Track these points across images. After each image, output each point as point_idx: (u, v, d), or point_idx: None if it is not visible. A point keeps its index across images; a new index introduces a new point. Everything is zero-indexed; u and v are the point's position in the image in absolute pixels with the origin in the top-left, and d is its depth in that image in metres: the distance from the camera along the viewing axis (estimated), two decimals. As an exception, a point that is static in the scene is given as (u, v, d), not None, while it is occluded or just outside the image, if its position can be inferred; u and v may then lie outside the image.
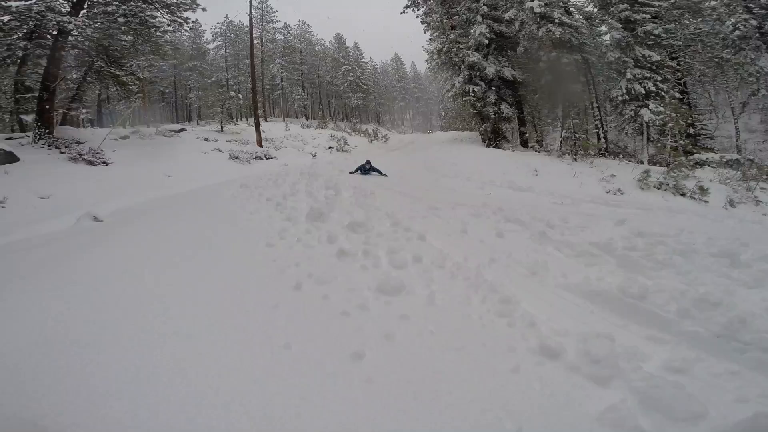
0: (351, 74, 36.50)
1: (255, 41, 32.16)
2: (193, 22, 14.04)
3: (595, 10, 18.42)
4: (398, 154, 13.62)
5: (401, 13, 18.76)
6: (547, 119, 18.67)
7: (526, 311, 2.18)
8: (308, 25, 38.48)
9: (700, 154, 13.60)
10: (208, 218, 4.80)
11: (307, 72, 37.00)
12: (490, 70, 15.79)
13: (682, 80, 17.57)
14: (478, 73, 16.10)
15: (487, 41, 15.88)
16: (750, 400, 1.65)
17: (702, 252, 3.47)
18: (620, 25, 15.95)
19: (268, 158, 11.83)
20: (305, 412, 1.40)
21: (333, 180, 7.23)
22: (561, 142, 13.07)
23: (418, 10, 18.43)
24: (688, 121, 16.98)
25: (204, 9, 12.59)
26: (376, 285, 2.47)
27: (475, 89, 16.09)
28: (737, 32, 16.36)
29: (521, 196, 8.02)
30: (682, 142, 12.40)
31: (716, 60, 18.75)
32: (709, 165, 12.40)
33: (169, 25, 11.91)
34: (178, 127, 15.25)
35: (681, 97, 16.85)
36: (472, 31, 16.09)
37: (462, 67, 16.35)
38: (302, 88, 35.78)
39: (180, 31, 18.86)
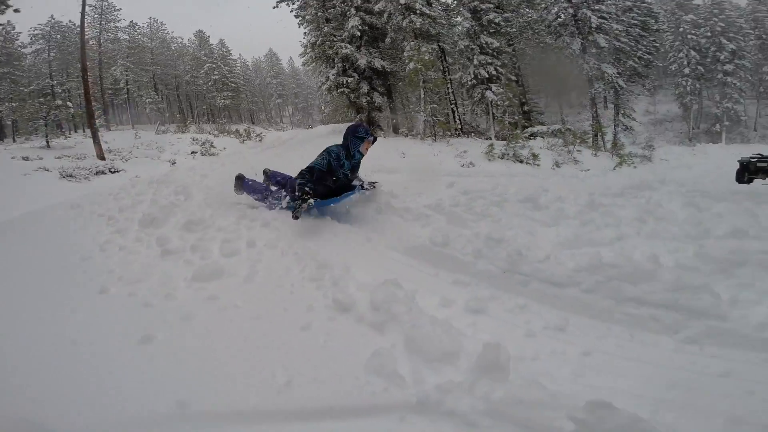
0: (216, 72, 33.90)
1: (91, 42, 27.48)
2: (1, 25, 11.39)
3: (452, 1, 20.35)
4: (275, 152, 13.19)
5: (274, 8, 18.03)
6: (415, 106, 20.15)
7: (337, 273, 2.30)
8: (161, 22, 34.47)
9: (533, 127, 16.19)
10: (20, 247, 4.02)
11: (161, 73, 33.15)
12: (362, 61, 16.27)
13: (517, 64, 20.62)
14: (351, 65, 16.45)
15: (359, 33, 16.28)
16: (536, 334, 1.79)
17: (512, 200, 4.07)
18: (470, 15, 17.93)
19: (114, 171, 10.26)
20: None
21: (185, 185, 6.63)
22: (424, 126, 14.19)
23: (293, 4, 17.93)
24: (523, 100, 20.10)
25: (16, 10, 10.28)
26: (192, 274, 2.36)
27: (349, 81, 16.43)
28: (558, 20, 19.72)
29: (388, 177, 8.48)
30: (517, 117, 14.51)
31: (542, 45, 22.45)
32: (540, 136, 14.87)
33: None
34: (-17, 146, 12.23)
35: (516, 79, 19.80)
36: (347, 24, 16.33)
37: (336, 59, 16.50)
38: (155, 90, 31.95)
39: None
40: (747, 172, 9.02)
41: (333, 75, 16.61)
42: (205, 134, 16.44)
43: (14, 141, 18.97)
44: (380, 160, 10.73)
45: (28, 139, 15.87)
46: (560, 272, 2.14)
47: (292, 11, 17.99)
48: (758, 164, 8.96)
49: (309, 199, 3.33)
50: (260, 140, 16.70)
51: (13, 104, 18.90)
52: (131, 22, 32.66)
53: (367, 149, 3.97)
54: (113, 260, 2.94)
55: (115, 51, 30.27)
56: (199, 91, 34.47)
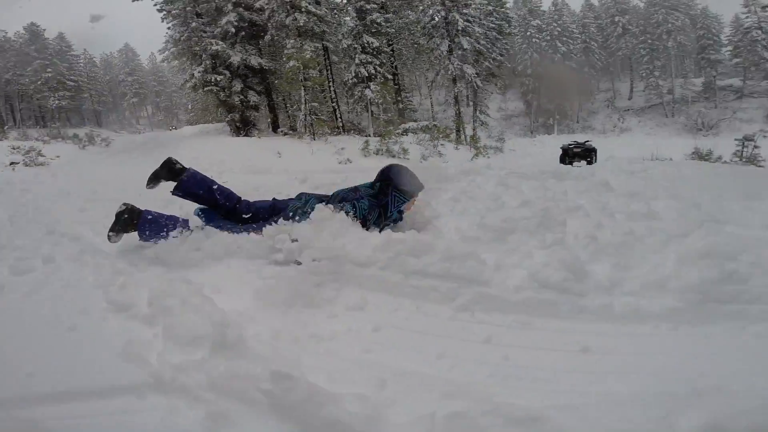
0: (49, 70, 28.19)
1: None
2: None
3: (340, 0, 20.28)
4: (125, 157, 11.51)
5: (133, 0, 15.59)
6: (296, 104, 19.73)
7: (129, 278, 2.11)
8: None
9: (405, 124, 17.29)
10: None
11: (-36, 71, 26.31)
12: (236, 58, 15.30)
13: (394, 64, 21.74)
14: (223, 62, 15.35)
15: (234, 29, 15.26)
16: (338, 315, 1.85)
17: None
18: (355, 14, 18.18)
19: None
20: None
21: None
22: (303, 125, 14.00)
23: (158, -4, 15.71)
24: (398, 98, 21.34)
25: None
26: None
27: (219, 78, 15.33)
28: (432, 21, 21.24)
29: (258, 178, 8.12)
30: (390, 115, 15.31)
31: (416, 46, 24.03)
32: (412, 132, 15.96)
33: None
34: None
35: (392, 78, 20.87)
36: (221, 19, 15.20)
37: (204, 56, 15.26)
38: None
39: None
40: (567, 156, 11.02)
41: (199, 72, 15.29)
42: (31, 141, 13.49)
43: None
44: (253, 161, 10.24)
45: None
46: (362, 253, 2.20)
47: (155, 4, 15.96)
48: (574, 150, 11.00)
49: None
50: (107, 145, 14.42)
51: None
52: None
53: (410, 208, 2.75)
54: None
55: None
56: (25, 92, 28.24)
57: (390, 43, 20.68)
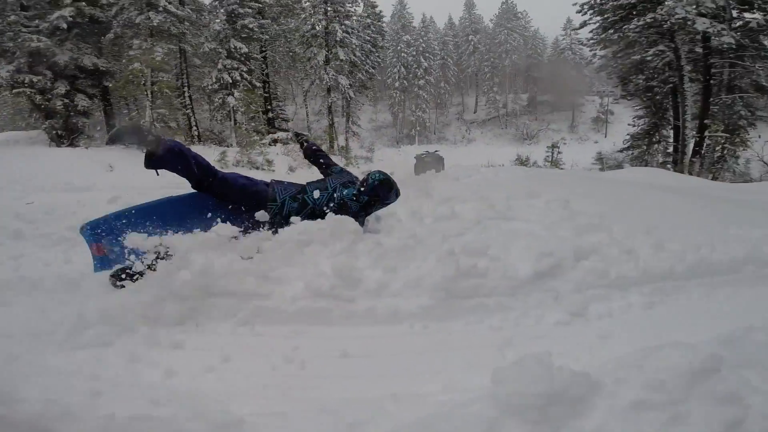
0: None
1: None
2: None
3: (209, 1, 18.33)
4: None
5: None
6: (140, 111, 17.30)
7: None
8: None
9: (275, 134, 16.77)
10: None
11: None
12: (63, 57, 12.64)
13: (265, 71, 20.83)
14: (44, 61, 12.52)
15: (66, 25, 12.50)
16: None
17: None
18: (225, 17, 16.63)
19: None
20: None
21: None
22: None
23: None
24: (269, 107, 20.60)
25: None
26: None
27: (35, 80, 12.50)
28: (313, 31, 20.84)
29: (72, 197, 6.84)
30: (254, 124, 14.65)
31: (291, 54, 23.44)
32: (281, 142, 15.53)
33: None
34: None
35: (262, 85, 19.99)
36: (52, 14, 12.26)
37: (17, 53, 12.25)
38: None
39: None
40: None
41: (8, 72, 12.37)
42: None
43: None
44: (72, 176, 8.59)
45: None
46: None
47: None
48: (425, 159, 12.13)
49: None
50: None
51: None
52: None
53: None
54: None
55: None
56: None
57: (263, 49, 19.81)
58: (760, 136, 12.45)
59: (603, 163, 13.85)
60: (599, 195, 4.13)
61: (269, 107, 20.61)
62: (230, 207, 2.51)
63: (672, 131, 13.09)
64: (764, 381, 1.19)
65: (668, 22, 10.91)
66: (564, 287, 2.00)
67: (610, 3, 12.27)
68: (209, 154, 11.54)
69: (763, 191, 4.90)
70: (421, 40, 38.03)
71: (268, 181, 2.66)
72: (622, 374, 1.06)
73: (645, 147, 14.26)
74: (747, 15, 11.45)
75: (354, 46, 21.71)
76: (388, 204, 2.68)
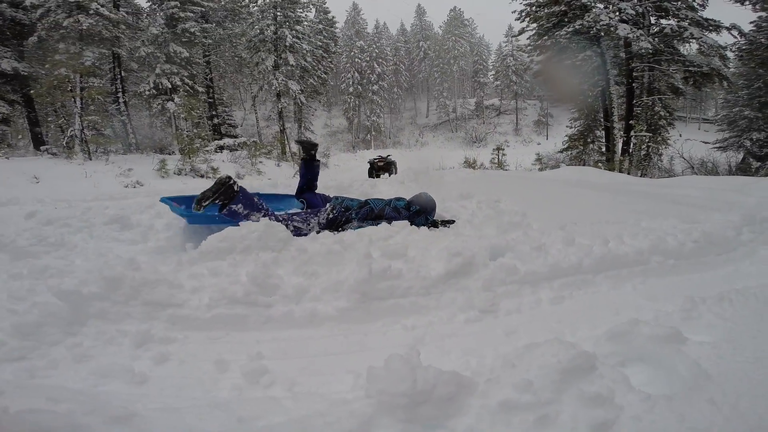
0: None
1: None
2: None
3: (147, 4, 17.19)
4: None
5: None
6: (69, 118, 15.98)
7: None
8: None
9: (221, 140, 16.14)
10: None
11: None
12: None
13: (209, 76, 19.98)
14: None
15: None
16: None
17: (98, 224, 3.58)
18: (163, 21, 15.66)
19: None
20: None
21: None
22: (74, 142, 11.42)
23: None
24: (214, 113, 19.82)
25: None
26: None
27: None
28: (260, 35, 20.20)
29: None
30: (196, 131, 14.02)
31: (237, 59, 22.66)
32: (227, 148, 14.99)
33: None
34: None
35: (206, 90, 19.19)
36: None
37: None
38: None
39: None
40: (374, 169, 12.13)
41: None
42: None
43: None
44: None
45: None
46: None
47: None
48: (378, 164, 12.20)
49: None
50: None
51: None
52: None
53: None
54: None
55: None
56: None
57: (206, 54, 19.01)
58: (681, 135, 13.76)
59: (542, 163, 14.66)
60: (527, 194, 4.37)
61: (214, 113, 19.86)
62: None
63: (604, 132, 14.11)
64: (643, 379, 1.20)
65: (594, 29, 11.79)
66: (475, 285, 2.08)
67: (544, 11, 13.05)
68: (146, 163, 10.88)
69: (680, 185, 5.27)
70: (375, 46, 38.47)
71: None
72: (495, 374, 1.09)
73: (582, 147, 15.29)
74: (663, 21, 12.54)
75: (305, 52, 21.48)
76: (429, 216, 3.31)
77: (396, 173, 12.02)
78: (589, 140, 15.37)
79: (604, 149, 14.22)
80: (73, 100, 11.92)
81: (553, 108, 36.92)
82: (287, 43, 20.15)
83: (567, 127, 16.71)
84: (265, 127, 27.68)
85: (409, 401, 0.94)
